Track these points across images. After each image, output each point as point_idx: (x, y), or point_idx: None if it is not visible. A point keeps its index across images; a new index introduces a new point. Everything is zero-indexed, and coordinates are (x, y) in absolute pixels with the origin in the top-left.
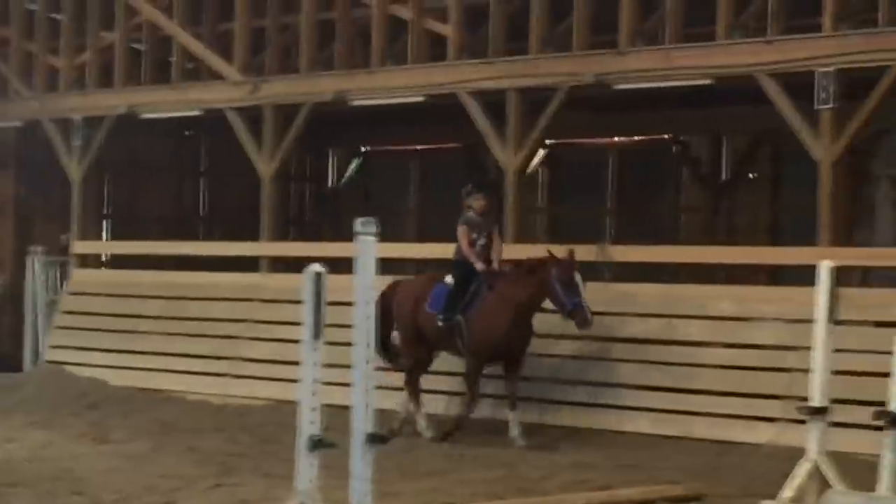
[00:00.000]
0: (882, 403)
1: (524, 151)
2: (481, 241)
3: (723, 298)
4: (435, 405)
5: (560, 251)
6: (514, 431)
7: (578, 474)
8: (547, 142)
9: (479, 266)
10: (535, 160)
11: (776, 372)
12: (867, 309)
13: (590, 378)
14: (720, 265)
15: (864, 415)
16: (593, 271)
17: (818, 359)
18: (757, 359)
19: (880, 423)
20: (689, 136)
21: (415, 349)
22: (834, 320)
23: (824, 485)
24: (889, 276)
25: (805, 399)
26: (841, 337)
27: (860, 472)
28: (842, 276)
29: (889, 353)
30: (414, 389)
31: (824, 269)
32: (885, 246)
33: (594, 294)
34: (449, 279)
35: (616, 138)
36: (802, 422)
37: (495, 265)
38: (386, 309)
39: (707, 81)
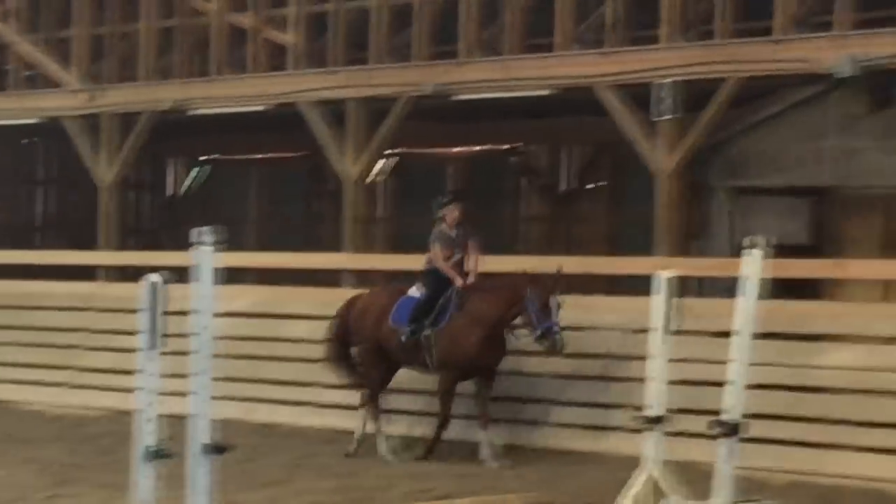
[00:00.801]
0: (718, 413)
1: (364, 161)
2: (456, 257)
3: (563, 308)
4: (398, 426)
5: (546, 266)
6: (485, 453)
7: (418, 484)
8: (388, 151)
9: (459, 282)
10: (376, 169)
11: (615, 381)
12: (704, 319)
13: (429, 388)
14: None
15: (702, 424)
16: None
17: (655, 368)
18: (596, 368)
19: (715, 432)
20: (529, 147)
21: (376, 366)
22: (671, 330)
23: (661, 493)
24: (725, 286)
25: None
26: (677, 346)
27: (697, 480)
28: (679, 286)
29: (725, 362)
30: (374, 408)
31: (661, 279)
32: (722, 256)
33: None
34: (414, 290)
35: (457, 148)
36: (641, 431)
37: (471, 279)
38: (344, 326)
39: (546, 92)
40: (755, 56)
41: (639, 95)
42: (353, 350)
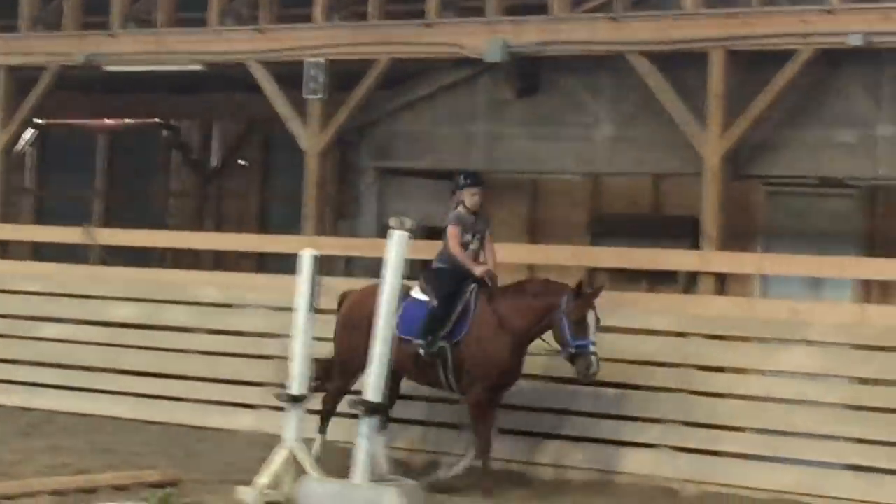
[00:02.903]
0: (360, 392)
1: (10, 130)
2: (473, 246)
3: (208, 284)
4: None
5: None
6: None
7: (56, 458)
8: (36, 121)
9: (480, 270)
10: (23, 140)
11: (259, 359)
12: None
13: (86, 363)
14: (208, 251)
15: (343, 403)
16: (80, 254)
17: (297, 346)
18: (240, 345)
19: (356, 411)
20: (180, 121)
21: (352, 374)
22: (315, 308)
23: (301, 471)
24: (372, 265)
25: (285, 386)
26: (322, 325)
27: (338, 459)
28: (326, 265)
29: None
30: (327, 416)
31: (305, 257)
32: (369, 236)
33: (69, 277)
34: (417, 293)
35: (107, 120)
36: (282, 409)
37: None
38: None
39: (199, 67)
40: (406, 38)
41: (291, 73)
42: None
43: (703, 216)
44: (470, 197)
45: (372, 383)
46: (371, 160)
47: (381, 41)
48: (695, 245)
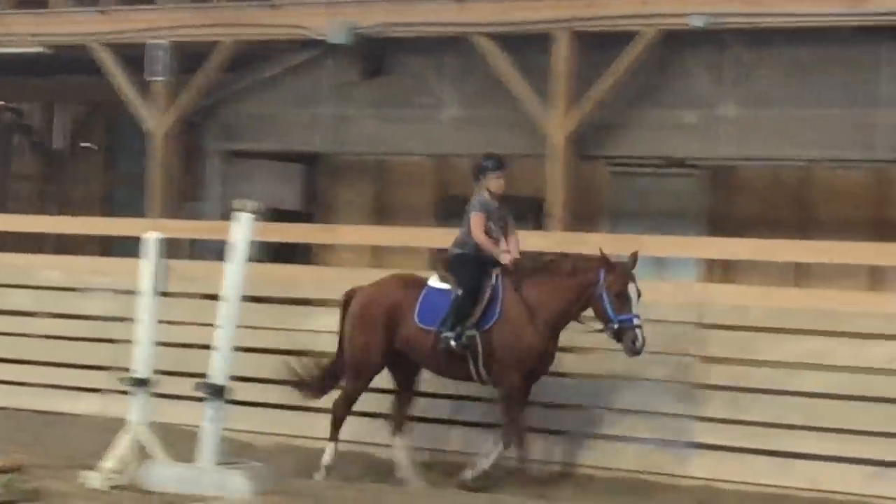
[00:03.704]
0: (206, 375)
1: None
2: (495, 234)
3: (51, 268)
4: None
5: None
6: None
7: None
8: None
9: (507, 258)
10: None
11: (103, 343)
12: (195, 281)
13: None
14: (52, 235)
15: (189, 386)
16: None
17: (142, 330)
18: (84, 329)
19: (202, 394)
20: (22, 104)
21: (367, 376)
22: (160, 292)
23: (146, 456)
24: (216, 248)
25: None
26: (167, 308)
27: (184, 442)
28: (171, 249)
29: (213, 325)
30: (338, 422)
31: (150, 240)
32: (214, 219)
33: None
34: (435, 281)
35: None
36: (127, 393)
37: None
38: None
39: (41, 49)
40: (251, 20)
41: (134, 55)
42: None
43: (547, 197)
44: (495, 181)
45: (216, 367)
46: (217, 142)
47: (226, 23)
48: (540, 226)
